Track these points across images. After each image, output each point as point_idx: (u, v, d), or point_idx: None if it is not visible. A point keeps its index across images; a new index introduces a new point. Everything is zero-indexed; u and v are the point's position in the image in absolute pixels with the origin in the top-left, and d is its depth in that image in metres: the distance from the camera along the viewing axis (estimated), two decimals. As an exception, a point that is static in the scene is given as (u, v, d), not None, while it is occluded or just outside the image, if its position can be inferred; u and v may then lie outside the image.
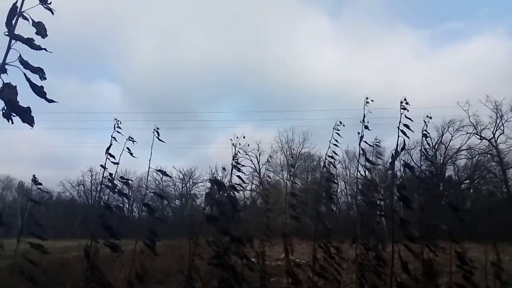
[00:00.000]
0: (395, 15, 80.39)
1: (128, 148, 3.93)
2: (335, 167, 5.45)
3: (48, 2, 1.93)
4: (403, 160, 4.67)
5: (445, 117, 39.45)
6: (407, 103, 4.15)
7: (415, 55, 76.64)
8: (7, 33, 1.84)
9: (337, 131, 4.96)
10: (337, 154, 5.20)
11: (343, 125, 4.97)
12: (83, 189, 54.96)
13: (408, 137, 4.11)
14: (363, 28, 76.93)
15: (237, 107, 78.41)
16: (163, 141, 4.17)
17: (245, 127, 58.77)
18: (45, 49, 1.92)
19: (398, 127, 4.11)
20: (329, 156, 5.14)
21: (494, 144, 37.34)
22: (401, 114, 4.13)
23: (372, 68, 73.54)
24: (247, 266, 3.84)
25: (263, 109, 76.40)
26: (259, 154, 40.90)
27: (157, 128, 4.19)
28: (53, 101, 2.00)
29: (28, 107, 1.85)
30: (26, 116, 1.85)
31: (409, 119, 4.13)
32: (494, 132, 37.31)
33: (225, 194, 3.86)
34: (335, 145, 5.00)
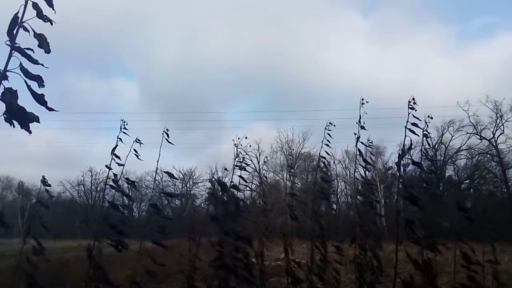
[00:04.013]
0: (432, 13, 78.53)
1: (135, 150, 3.85)
2: (326, 167, 5.50)
3: (45, 15, 1.94)
4: (410, 158, 4.67)
5: (445, 117, 39.40)
6: (415, 103, 4.15)
7: (442, 53, 75.66)
8: (8, 43, 1.86)
9: (328, 132, 5.20)
10: (329, 154, 5.42)
11: (334, 125, 5.21)
12: (83, 189, 55.01)
13: (418, 135, 4.11)
14: (396, 26, 75.51)
15: (257, 105, 76.29)
16: (171, 143, 4.06)
17: (264, 126, 57.73)
18: (42, 64, 1.93)
19: (405, 126, 4.11)
20: (321, 156, 5.25)
21: (494, 144, 37.29)
22: (409, 114, 4.12)
23: (398, 66, 72.69)
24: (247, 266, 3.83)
25: (286, 108, 73.42)
26: (259, 154, 40.82)
27: (167, 130, 4.09)
28: (53, 110, 1.99)
29: (31, 113, 1.86)
30: (25, 122, 1.86)
31: (417, 118, 4.13)
32: (494, 132, 37.25)
33: (229, 194, 3.86)
34: (327, 145, 5.21)
